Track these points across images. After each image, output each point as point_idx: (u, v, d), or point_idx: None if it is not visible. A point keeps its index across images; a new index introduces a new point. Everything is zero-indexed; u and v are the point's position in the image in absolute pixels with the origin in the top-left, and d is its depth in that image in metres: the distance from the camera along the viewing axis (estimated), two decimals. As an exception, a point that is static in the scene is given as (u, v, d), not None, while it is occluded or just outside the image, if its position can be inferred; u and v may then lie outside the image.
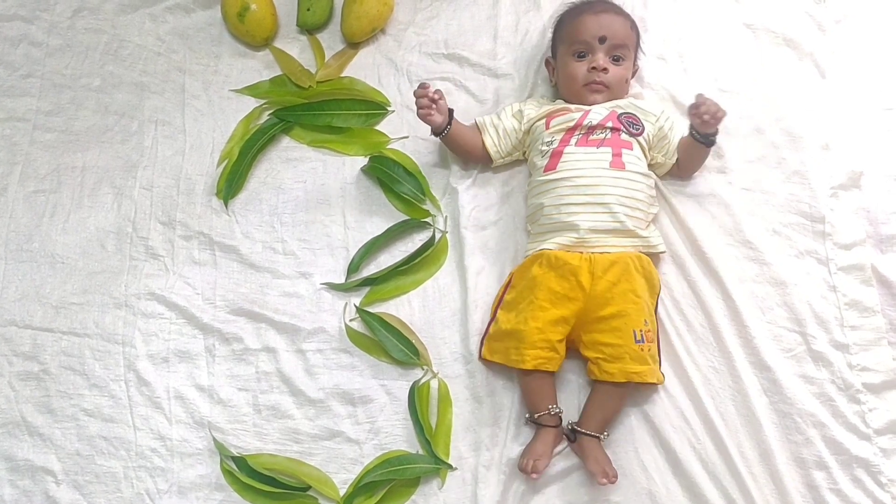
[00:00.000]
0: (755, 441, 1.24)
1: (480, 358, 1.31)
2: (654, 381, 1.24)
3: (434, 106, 1.32)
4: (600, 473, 1.20)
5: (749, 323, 1.29)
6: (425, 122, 1.34)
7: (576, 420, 1.27)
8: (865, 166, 1.39)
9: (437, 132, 1.36)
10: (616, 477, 1.21)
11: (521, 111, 1.39)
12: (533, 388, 1.26)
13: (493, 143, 1.38)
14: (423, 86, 1.32)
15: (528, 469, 1.22)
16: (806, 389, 1.26)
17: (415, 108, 1.48)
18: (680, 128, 1.37)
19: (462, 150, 1.41)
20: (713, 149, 1.40)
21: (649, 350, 1.24)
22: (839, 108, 1.43)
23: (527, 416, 1.27)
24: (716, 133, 1.31)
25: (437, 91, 1.32)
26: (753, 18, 1.52)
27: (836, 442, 1.23)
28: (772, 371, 1.26)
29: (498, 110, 1.42)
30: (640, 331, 1.23)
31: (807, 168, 1.38)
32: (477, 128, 1.40)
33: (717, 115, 1.27)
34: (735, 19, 1.52)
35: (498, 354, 1.27)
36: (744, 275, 1.33)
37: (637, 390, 1.26)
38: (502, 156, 1.39)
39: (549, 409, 1.24)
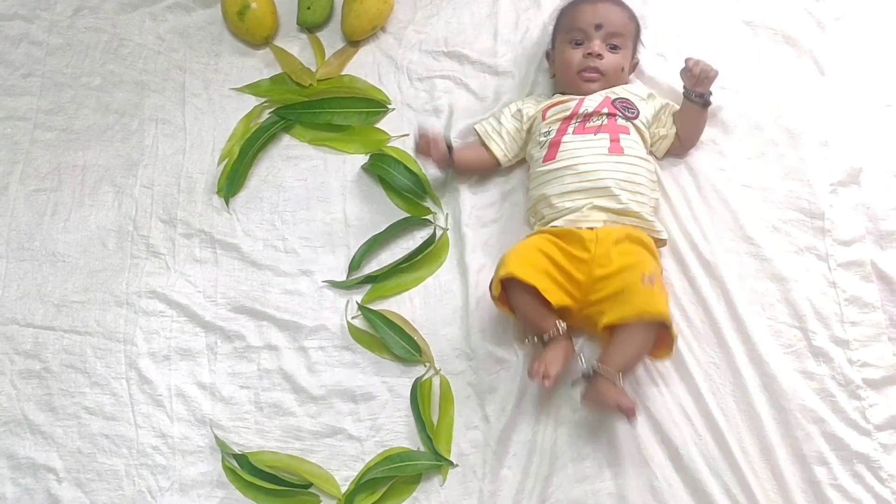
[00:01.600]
0: (756, 437, 1.25)
1: (494, 298, 1.25)
2: (667, 313, 1.18)
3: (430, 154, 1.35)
4: (622, 408, 1.13)
5: (749, 319, 1.29)
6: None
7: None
8: (865, 163, 1.39)
9: (441, 168, 1.39)
10: (634, 407, 1.14)
11: (520, 111, 1.40)
12: (529, 306, 1.22)
13: (499, 148, 1.39)
14: (419, 140, 1.36)
15: (539, 373, 1.17)
16: (806, 385, 1.26)
17: (415, 105, 1.50)
18: (674, 100, 1.39)
19: (472, 170, 1.41)
20: (712, 144, 1.41)
21: (660, 290, 1.20)
22: (838, 105, 1.44)
23: (535, 338, 1.24)
24: (710, 93, 1.34)
25: (427, 137, 1.34)
26: (753, 15, 1.52)
27: (837, 437, 1.23)
28: (772, 367, 1.26)
29: (495, 113, 1.43)
30: (649, 273, 1.20)
31: (806, 165, 1.39)
32: (479, 137, 1.41)
33: (709, 76, 1.30)
34: (734, 16, 1.52)
35: (495, 280, 1.23)
36: (744, 271, 1.33)
37: (652, 332, 1.21)
38: (510, 159, 1.40)
39: (556, 325, 1.21)
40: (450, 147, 1.37)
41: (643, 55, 1.47)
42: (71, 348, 1.37)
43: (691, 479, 1.23)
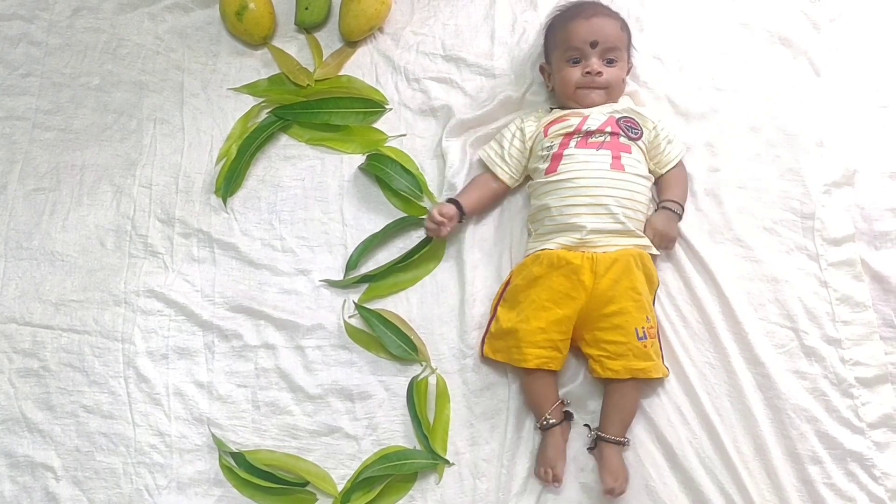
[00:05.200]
0: (751, 436, 1.25)
1: (482, 356, 1.31)
2: (659, 375, 1.25)
3: (442, 227, 1.33)
4: (607, 489, 1.21)
5: (742, 319, 1.29)
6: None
7: (594, 426, 1.27)
8: (860, 164, 1.40)
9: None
10: (622, 492, 1.21)
11: (521, 130, 1.39)
12: (535, 388, 1.27)
13: (505, 172, 1.38)
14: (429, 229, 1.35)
15: (548, 479, 1.23)
16: (799, 385, 1.27)
17: (412, 106, 1.50)
18: (678, 143, 1.37)
19: (485, 208, 1.40)
20: (708, 146, 1.42)
21: (652, 346, 1.25)
22: (834, 106, 1.44)
23: (536, 425, 1.27)
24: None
25: (435, 219, 1.33)
26: (749, 17, 1.52)
27: (830, 436, 1.24)
28: (765, 367, 1.27)
29: (497, 137, 1.41)
30: (643, 328, 1.24)
31: (801, 165, 1.39)
32: (484, 164, 1.40)
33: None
34: (731, 18, 1.53)
35: (500, 353, 1.28)
36: (736, 272, 1.33)
37: (644, 385, 1.26)
38: (517, 179, 1.39)
39: (548, 414, 1.25)
40: (456, 203, 1.35)
41: (640, 58, 1.48)
42: (69, 347, 1.38)
43: (687, 479, 1.24)
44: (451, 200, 1.36)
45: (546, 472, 1.23)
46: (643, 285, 1.27)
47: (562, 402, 1.27)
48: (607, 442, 1.23)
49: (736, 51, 1.50)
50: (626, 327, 1.24)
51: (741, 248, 1.35)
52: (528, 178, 1.41)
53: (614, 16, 1.41)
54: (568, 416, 1.28)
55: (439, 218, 1.33)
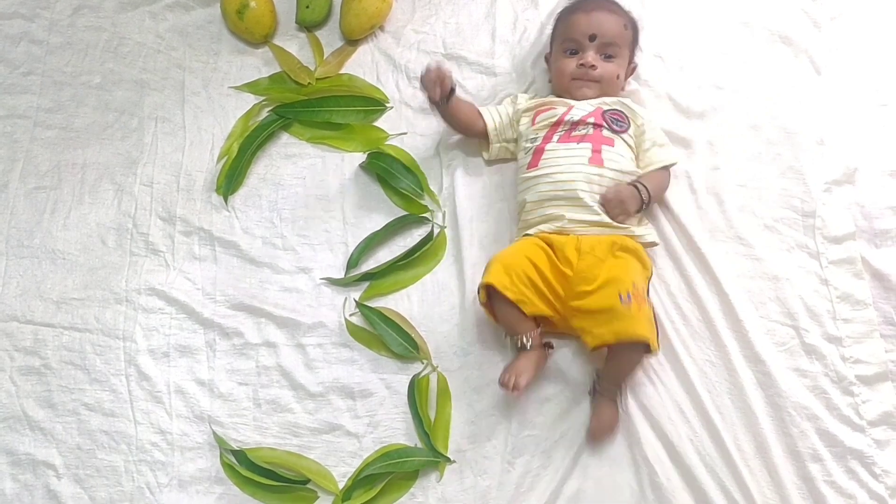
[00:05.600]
0: (751, 434, 1.25)
1: (482, 304, 1.28)
2: (646, 334, 1.19)
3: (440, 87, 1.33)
4: (592, 433, 1.24)
5: (743, 317, 1.29)
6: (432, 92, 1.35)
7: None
8: (860, 162, 1.40)
9: (433, 107, 1.39)
10: (600, 440, 1.24)
11: (514, 97, 1.43)
12: (506, 313, 1.25)
13: (491, 119, 1.40)
14: (432, 70, 1.34)
15: (509, 384, 1.21)
16: (800, 383, 1.27)
17: (413, 104, 1.51)
18: (668, 150, 1.36)
19: (460, 124, 1.42)
20: (709, 145, 1.42)
21: (639, 308, 1.21)
22: (834, 105, 1.44)
23: (508, 339, 1.28)
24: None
25: (441, 71, 1.33)
26: (750, 16, 1.53)
27: (830, 434, 1.24)
28: (766, 365, 1.27)
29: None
30: (627, 292, 1.20)
31: (801, 164, 1.39)
32: (477, 111, 1.42)
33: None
34: (732, 17, 1.53)
35: (480, 286, 1.26)
36: (737, 270, 1.33)
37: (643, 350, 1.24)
38: (496, 129, 1.40)
39: (527, 336, 1.24)
40: (453, 89, 1.36)
41: (641, 57, 1.48)
42: (70, 345, 1.38)
43: (688, 476, 1.23)
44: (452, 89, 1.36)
45: (509, 377, 1.21)
46: (633, 266, 1.25)
47: (542, 333, 1.26)
48: (599, 393, 1.25)
49: (736, 49, 1.50)
50: (609, 293, 1.21)
51: (742, 247, 1.35)
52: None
53: (619, 12, 1.41)
54: (547, 346, 1.28)
55: (438, 71, 1.32)
